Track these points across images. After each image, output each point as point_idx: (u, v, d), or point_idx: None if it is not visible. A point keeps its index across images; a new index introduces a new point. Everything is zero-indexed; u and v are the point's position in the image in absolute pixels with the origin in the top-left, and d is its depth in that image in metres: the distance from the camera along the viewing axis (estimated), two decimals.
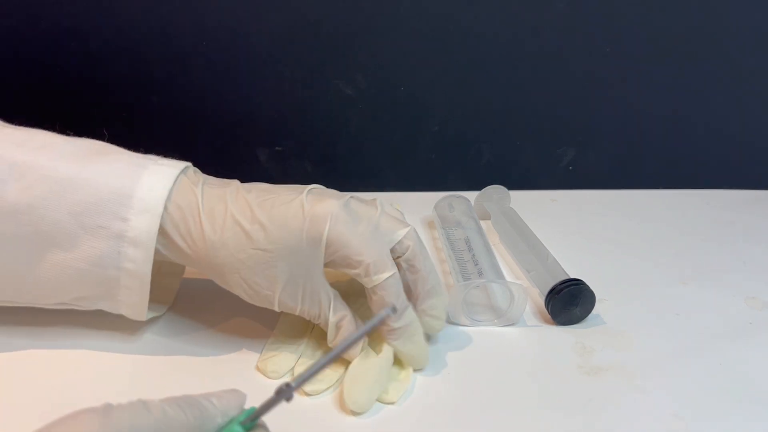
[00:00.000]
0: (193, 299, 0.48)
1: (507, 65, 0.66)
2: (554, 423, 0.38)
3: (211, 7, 0.62)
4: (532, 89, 0.67)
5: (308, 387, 0.39)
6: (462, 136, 0.69)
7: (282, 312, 0.46)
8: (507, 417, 0.38)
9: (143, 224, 0.38)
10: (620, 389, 0.40)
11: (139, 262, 0.38)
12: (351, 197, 0.41)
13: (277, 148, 0.69)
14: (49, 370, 0.41)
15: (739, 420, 0.38)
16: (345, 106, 0.67)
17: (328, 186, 0.43)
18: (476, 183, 0.65)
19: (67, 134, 0.41)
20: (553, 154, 0.71)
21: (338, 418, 0.37)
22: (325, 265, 0.39)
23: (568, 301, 0.46)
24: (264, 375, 0.40)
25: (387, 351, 0.40)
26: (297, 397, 0.38)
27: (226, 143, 0.68)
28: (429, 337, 0.45)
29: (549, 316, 0.47)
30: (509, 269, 0.55)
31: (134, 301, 0.40)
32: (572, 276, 0.47)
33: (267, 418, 0.29)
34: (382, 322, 0.31)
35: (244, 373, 0.41)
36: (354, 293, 0.45)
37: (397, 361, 0.41)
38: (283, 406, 0.28)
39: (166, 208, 0.38)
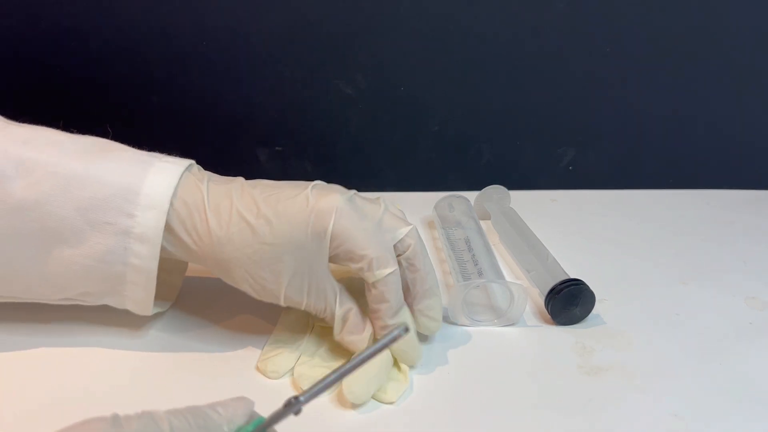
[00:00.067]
0: (197, 297, 0.48)
1: (507, 65, 0.66)
2: (554, 423, 0.38)
3: (211, 7, 0.62)
4: (532, 89, 0.67)
5: (307, 387, 0.39)
6: (462, 136, 0.69)
7: (282, 312, 0.46)
8: (507, 417, 0.38)
9: (149, 220, 0.38)
10: (620, 389, 0.40)
11: (146, 258, 0.38)
12: (355, 193, 0.41)
13: (277, 148, 0.69)
14: (51, 367, 0.41)
15: (739, 420, 0.38)
16: (345, 106, 0.67)
17: None
18: (476, 183, 0.65)
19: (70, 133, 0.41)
20: (553, 154, 0.71)
21: (338, 418, 0.37)
22: (329, 259, 0.39)
23: (568, 301, 0.46)
24: (264, 375, 0.40)
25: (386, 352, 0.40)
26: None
27: (226, 143, 0.68)
28: (426, 338, 0.45)
29: (549, 316, 0.47)
30: (509, 269, 0.55)
31: (140, 297, 0.40)
32: (572, 276, 0.47)
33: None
34: (394, 340, 0.31)
35: (244, 373, 0.41)
36: (354, 291, 0.45)
37: (394, 361, 0.41)
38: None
39: (171, 204, 0.38)
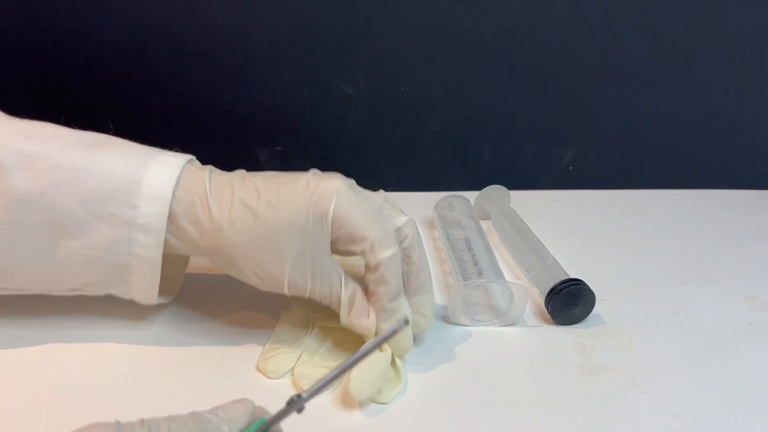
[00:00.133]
0: (197, 297, 0.48)
1: (507, 65, 0.66)
2: (554, 423, 0.38)
3: (211, 7, 0.62)
4: (532, 89, 0.67)
5: (308, 387, 0.39)
6: (462, 136, 0.69)
7: (282, 312, 0.46)
8: (507, 417, 0.38)
9: (153, 210, 0.38)
10: (620, 389, 0.40)
11: (150, 248, 0.39)
12: (354, 183, 0.42)
13: (277, 148, 0.69)
14: (50, 363, 0.41)
15: (739, 420, 0.38)
16: (345, 106, 0.67)
17: None
18: (476, 183, 0.65)
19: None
20: (553, 154, 0.71)
21: (338, 418, 0.37)
22: (332, 242, 0.39)
23: (568, 301, 0.46)
24: (264, 375, 0.40)
25: (388, 349, 0.40)
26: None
27: (226, 143, 0.68)
28: (417, 338, 0.45)
29: (549, 316, 0.47)
30: (509, 269, 0.55)
31: (145, 286, 0.40)
32: (572, 276, 0.47)
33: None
34: (394, 333, 0.31)
35: (244, 372, 0.41)
36: None
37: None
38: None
39: (174, 194, 0.39)
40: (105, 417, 0.27)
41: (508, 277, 0.53)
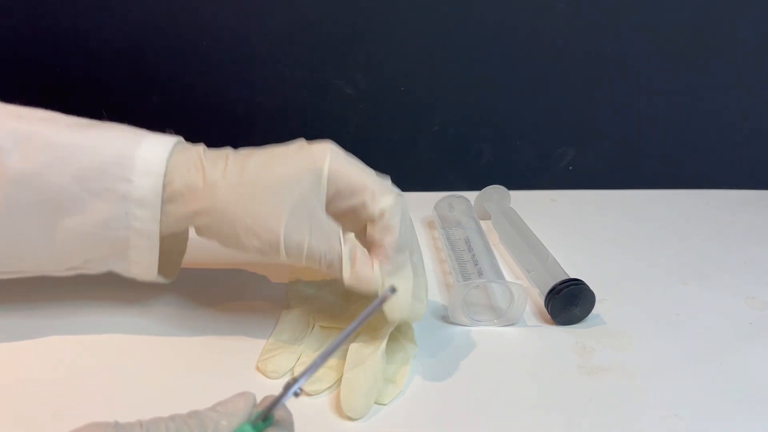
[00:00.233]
0: (196, 297, 0.48)
1: (507, 65, 0.66)
2: (554, 423, 0.37)
3: (211, 7, 0.62)
4: (532, 89, 0.68)
5: (308, 387, 0.39)
6: (462, 136, 0.69)
7: (282, 311, 0.46)
8: (507, 417, 0.38)
9: (147, 183, 0.38)
10: (620, 389, 0.40)
11: (147, 221, 0.39)
12: None
13: None
14: (49, 358, 0.41)
15: (739, 420, 0.38)
16: (345, 106, 0.67)
17: None
18: (476, 183, 0.65)
19: None
20: (553, 154, 0.71)
21: (338, 418, 0.37)
22: (328, 204, 0.39)
23: (568, 301, 0.46)
24: (264, 375, 0.40)
25: (380, 346, 0.40)
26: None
27: (226, 143, 0.68)
28: (417, 338, 0.45)
29: (549, 316, 0.47)
30: (509, 269, 0.55)
31: (145, 260, 0.41)
32: (572, 276, 0.47)
33: None
34: (382, 302, 0.31)
35: (244, 372, 0.41)
36: (353, 294, 0.44)
37: (394, 360, 0.41)
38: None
39: (167, 166, 0.39)
40: (105, 417, 0.27)
41: (508, 277, 0.53)
